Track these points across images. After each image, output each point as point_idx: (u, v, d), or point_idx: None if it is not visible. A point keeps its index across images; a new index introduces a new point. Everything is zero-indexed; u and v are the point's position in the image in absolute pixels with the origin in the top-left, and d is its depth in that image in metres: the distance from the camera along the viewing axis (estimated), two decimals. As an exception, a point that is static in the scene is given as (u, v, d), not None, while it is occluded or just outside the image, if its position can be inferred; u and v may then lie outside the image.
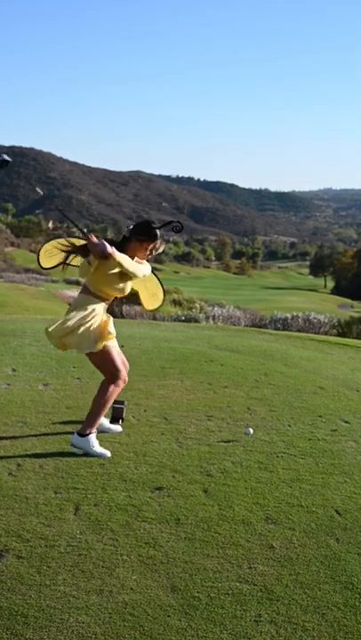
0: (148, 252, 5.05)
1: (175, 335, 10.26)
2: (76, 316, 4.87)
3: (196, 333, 10.68)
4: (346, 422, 5.99)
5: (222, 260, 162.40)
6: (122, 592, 3.13)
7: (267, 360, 8.65)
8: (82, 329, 4.84)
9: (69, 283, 53.09)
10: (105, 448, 5.00)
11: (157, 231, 4.99)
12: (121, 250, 4.92)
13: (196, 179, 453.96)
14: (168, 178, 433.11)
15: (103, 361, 5.02)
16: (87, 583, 3.19)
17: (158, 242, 5.05)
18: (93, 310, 4.93)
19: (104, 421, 5.43)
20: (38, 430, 5.40)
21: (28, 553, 3.45)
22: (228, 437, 5.43)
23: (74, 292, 43.73)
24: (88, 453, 4.92)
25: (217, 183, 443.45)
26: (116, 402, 5.69)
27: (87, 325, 4.87)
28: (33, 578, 3.22)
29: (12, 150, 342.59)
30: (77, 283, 53.06)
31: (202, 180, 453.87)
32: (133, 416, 5.88)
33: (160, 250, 5.11)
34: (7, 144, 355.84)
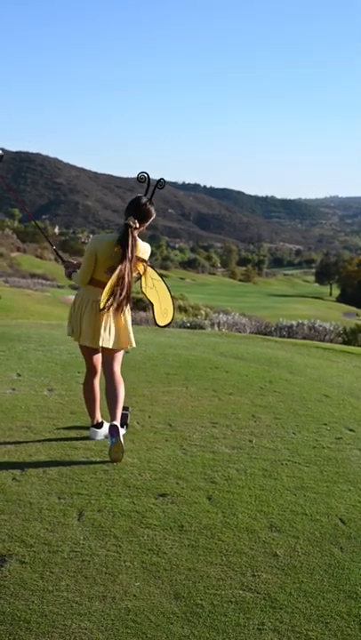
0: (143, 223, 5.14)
1: (180, 342, 10.26)
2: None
3: (201, 340, 10.68)
4: (351, 430, 5.98)
5: (228, 267, 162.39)
6: (125, 598, 3.12)
7: (272, 367, 8.64)
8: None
9: (75, 289, 53.15)
10: (108, 454, 5.00)
11: (152, 208, 5.13)
12: (130, 237, 4.96)
13: (202, 185, 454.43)
14: (174, 184, 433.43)
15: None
16: (90, 589, 3.19)
17: (154, 215, 5.19)
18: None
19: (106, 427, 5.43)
20: (43, 435, 5.40)
21: (31, 558, 3.45)
22: (233, 444, 5.42)
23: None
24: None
25: (223, 190, 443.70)
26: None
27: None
28: (36, 583, 3.21)
29: (18, 156, 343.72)
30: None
31: (208, 186, 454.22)
32: (138, 422, 5.88)
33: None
34: (14, 149, 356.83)
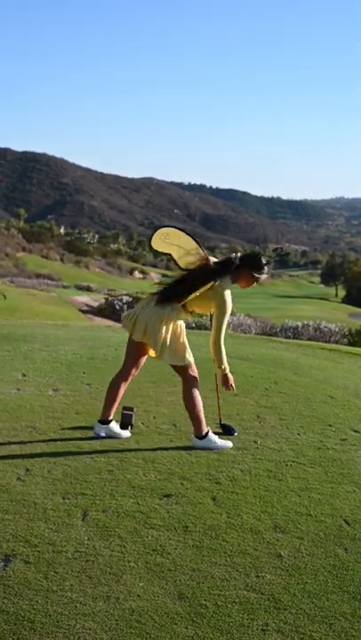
0: (253, 284, 5.35)
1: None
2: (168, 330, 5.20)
3: (206, 341, 10.61)
4: (356, 432, 5.97)
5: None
6: (129, 599, 3.12)
7: (277, 368, 8.64)
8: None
9: (80, 289, 53.16)
10: (114, 454, 5.01)
11: (266, 268, 5.31)
12: (228, 273, 5.18)
13: (208, 186, 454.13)
14: (180, 185, 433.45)
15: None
16: (94, 589, 3.19)
17: (265, 275, 5.36)
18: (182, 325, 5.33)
19: (114, 426, 5.44)
20: (47, 435, 5.41)
21: (35, 558, 3.45)
22: (238, 445, 5.42)
23: (84, 298, 43.84)
24: (212, 449, 5.28)
25: (229, 191, 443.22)
26: (125, 408, 5.70)
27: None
28: (40, 583, 3.21)
29: (24, 156, 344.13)
30: (88, 289, 53.13)
31: (214, 187, 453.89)
32: (143, 422, 5.88)
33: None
34: (20, 149, 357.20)
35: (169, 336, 5.16)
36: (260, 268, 5.25)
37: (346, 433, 5.92)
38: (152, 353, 5.30)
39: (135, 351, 5.36)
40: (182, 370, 5.32)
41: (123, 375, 5.43)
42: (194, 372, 5.36)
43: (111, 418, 5.46)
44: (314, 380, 8.09)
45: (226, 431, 5.72)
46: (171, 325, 5.18)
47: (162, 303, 5.14)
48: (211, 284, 5.08)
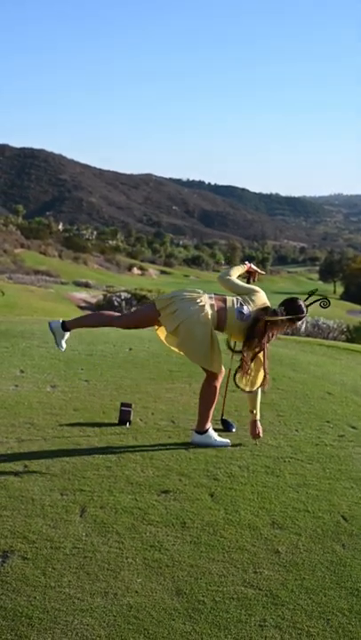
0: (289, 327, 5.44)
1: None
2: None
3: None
4: (353, 428, 5.98)
5: (232, 264, 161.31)
6: (126, 595, 3.13)
7: (275, 365, 8.63)
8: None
9: (79, 285, 53.14)
10: (112, 451, 5.01)
11: (304, 312, 5.28)
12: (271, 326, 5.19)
13: (206, 182, 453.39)
14: (179, 181, 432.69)
15: None
16: (92, 585, 3.19)
17: (300, 322, 5.50)
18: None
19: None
20: (45, 432, 5.41)
21: (33, 554, 3.45)
22: (236, 441, 5.42)
23: (83, 295, 43.82)
24: (211, 446, 5.28)
25: (227, 187, 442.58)
26: (123, 404, 5.70)
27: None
28: (38, 579, 3.22)
29: (22, 152, 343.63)
30: (87, 285, 53.10)
31: (212, 183, 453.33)
32: (141, 419, 5.89)
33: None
34: (18, 145, 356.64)
35: (206, 338, 5.14)
36: (301, 314, 5.27)
37: (344, 429, 5.93)
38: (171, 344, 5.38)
39: (150, 317, 5.32)
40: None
41: (118, 320, 5.44)
42: (215, 374, 5.33)
43: (71, 330, 5.54)
44: (312, 376, 8.09)
45: (225, 427, 5.73)
46: (209, 330, 5.14)
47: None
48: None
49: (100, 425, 5.67)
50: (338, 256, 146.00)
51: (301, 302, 5.27)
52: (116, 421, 5.71)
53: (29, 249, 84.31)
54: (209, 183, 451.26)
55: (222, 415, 5.88)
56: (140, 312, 5.49)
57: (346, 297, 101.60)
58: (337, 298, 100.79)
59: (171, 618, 2.96)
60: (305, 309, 5.26)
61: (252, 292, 5.32)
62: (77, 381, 7.13)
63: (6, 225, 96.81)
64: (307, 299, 5.33)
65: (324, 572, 3.45)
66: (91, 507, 4.05)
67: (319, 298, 5.35)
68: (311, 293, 5.35)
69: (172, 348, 5.44)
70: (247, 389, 5.27)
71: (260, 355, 5.20)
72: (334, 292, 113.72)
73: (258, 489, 4.46)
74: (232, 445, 5.33)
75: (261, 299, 5.27)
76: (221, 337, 5.28)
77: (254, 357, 5.19)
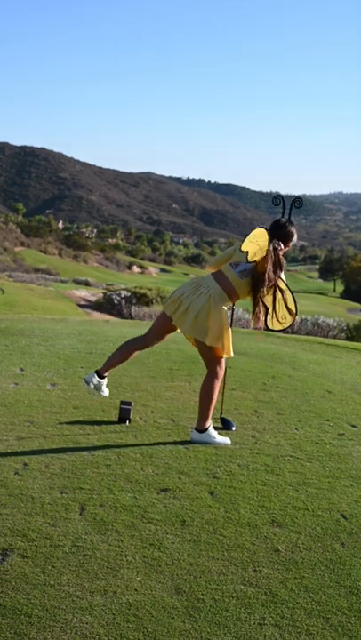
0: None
1: (184, 337, 10.21)
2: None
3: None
4: (353, 426, 5.98)
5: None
6: (126, 593, 3.13)
7: (275, 363, 8.64)
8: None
9: (78, 283, 53.10)
10: (111, 449, 5.01)
11: (292, 228, 5.25)
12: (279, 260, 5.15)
13: (206, 181, 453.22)
14: (179, 179, 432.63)
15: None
16: (91, 584, 3.19)
17: (295, 236, 5.33)
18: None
19: (103, 382, 5.56)
20: (45, 430, 5.41)
21: (32, 552, 3.45)
22: (235, 440, 5.42)
23: (82, 293, 43.80)
24: (210, 444, 5.28)
25: (227, 185, 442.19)
26: (122, 402, 5.70)
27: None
28: (37, 577, 3.22)
29: (22, 150, 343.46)
30: (86, 283, 53.09)
31: (212, 182, 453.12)
32: (140, 417, 5.88)
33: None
34: (18, 144, 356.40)
35: (216, 321, 5.16)
36: (279, 231, 5.24)
37: (343, 428, 5.93)
38: (187, 336, 5.36)
39: (165, 325, 5.41)
40: (207, 361, 5.31)
41: (141, 342, 5.50)
42: (222, 368, 5.35)
43: (107, 375, 5.54)
44: (312, 374, 8.09)
45: (224, 425, 5.72)
46: (219, 313, 5.16)
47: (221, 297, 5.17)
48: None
49: (99, 423, 5.66)
50: (338, 254, 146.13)
51: (282, 219, 5.27)
52: (116, 419, 5.71)
53: (29, 247, 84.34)
54: (209, 181, 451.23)
55: (221, 414, 5.88)
56: (155, 325, 5.50)
57: (346, 295, 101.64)
58: (337, 296, 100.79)
59: (170, 616, 2.96)
60: (289, 223, 5.25)
61: (234, 249, 5.33)
62: (77, 379, 7.12)
63: (6, 223, 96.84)
64: (283, 213, 5.28)
65: (324, 571, 3.45)
66: (90, 505, 4.05)
67: (292, 203, 5.32)
68: (281, 199, 5.30)
69: (195, 342, 5.38)
70: (284, 326, 5.30)
71: (279, 291, 5.22)
72: (334, 290, 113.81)
73: (257, 487, 4.46)
74: (232, 444, 5.33)
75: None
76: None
77: (274, 297, 5.22)
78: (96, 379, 5.50)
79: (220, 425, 5.72)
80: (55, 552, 3.47)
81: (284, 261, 5.19)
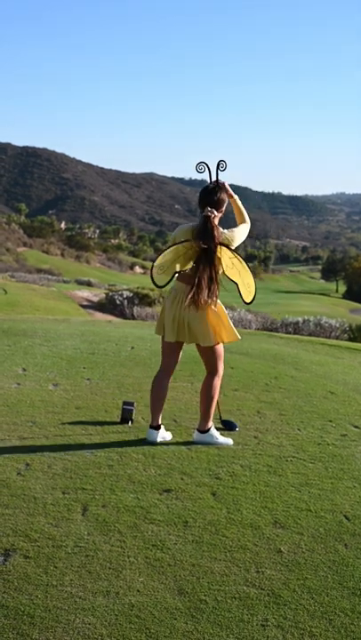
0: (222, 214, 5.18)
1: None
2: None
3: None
4: (356, 427, 5.97)
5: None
6: (128, 594, 3.12)
7: (277, 364, 8.63)
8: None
9: (81, 283, 53.09)
10: (114, 449, 5.01)
11: (221, 193, 5.17)
12: (212, 227, 5.06)
13: (208, 181, 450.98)
14: (181, 180, 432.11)
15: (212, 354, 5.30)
16: (94, 584, 3.18)
17: (226, 199, 5.23)
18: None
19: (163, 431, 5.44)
20: (47, 430, 5.41)
21: (35, 553, 3.45)
22: (238, 440, 5.42)
23: (85, 293, 43.81)
24: (213, 445, 5.26)
25: (230, 186, 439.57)
26: (125, 403, 5.69)
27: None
28: (40, 578, 3.21)
29: (25, 151, 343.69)
30: (89, 284, 53.11)
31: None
32: (143, 417, 5.88)
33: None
34: (21, 144, 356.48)
35: (216, 321, 5.17)
36: (208, 196, 5.17)
37: (346, 428, 5.92)
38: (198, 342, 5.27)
39: (175, 347, 5.35)
40: (210, 361, 5.31)
41: (166, 372, 5.43)
42: (221, 367, 5.35)
43: (160, 422, 5.39)
44: (314, 375, 8.08)
45: (227, 427, 5.71)
46: (213, 312, 5.16)
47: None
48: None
49: (102, 423, 5.66)
50: (340, 255, 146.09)
51: (210, 184, 5.18)
52: (118, 420, 5.71)
53: (32, 247, 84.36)
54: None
55: (220, 416, 5.83)
56: (162, 352, 5.45)
57: (348, 296, 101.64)
58: (339, 297, 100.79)
59: (173, 617, 2.95)
60: (218, 188, 5.17)
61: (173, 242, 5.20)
62: (79, 380, 7.12)
63: (9, 223, 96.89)
64: (210, 179, 5.20)
65: (327, 572, 3.44)
66: (93, 505, 4.05)
67: (217, 166, 5.22)
68: (205, 165, 5.23)
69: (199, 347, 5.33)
70: (253, 294, 5.18)
71: (236, 262, 5.09)
72: (337, 290, 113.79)
73: (260, 488, 4.46)
74: (234, 444, 5.32)
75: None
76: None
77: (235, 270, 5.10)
78: (156, 433, 5.30)
79: (220, 426, 5.71)
80: (57, 552, 3.46)
81: (218, 229, 5.07)
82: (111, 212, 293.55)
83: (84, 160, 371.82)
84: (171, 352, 5.37)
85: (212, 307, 5.11)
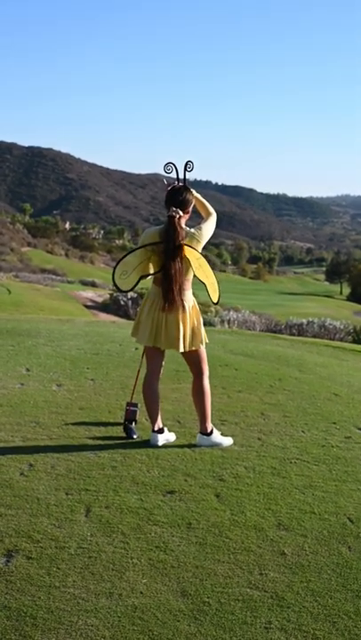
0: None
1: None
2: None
3: (210, 337, 10.59)
4: (360, 429, 5.95)
5: (238, 265, 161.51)
6: (131, 595, 3.11)
7: (281, 365, 8.62)
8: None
9: (85, 284, 53.15)
10: (117, 450, 5.01)
11: (187, 193, 5.18)
12: (177, 228, 5.04)
13: (213, 182, 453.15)
14: (185, 181, 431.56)
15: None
16: (97, 586, 3.18)
17: (192, 199, 5.24)
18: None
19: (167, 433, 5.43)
20: (51, 431, 5.40)
21: (38, 554, 3.44)
22: (242, 442, 5.41)
23: (89, 294, 43.86)
24: (217, 445, 5.26)
25: (235, 187, 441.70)
26: (129, 404, 5.68)
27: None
28: (42, 579, 3.21)
29: (30, 151, 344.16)
30: (93, 284, 53.15)
31: (219, 184, 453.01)
32: (146, 419, 5.86)
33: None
34: (26, 144, 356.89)
35: (191, 326, 5.18)
36: (174, 197, 5.15)
37: (350, 431, 5.91)
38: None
39: (158, 349, 5.33)
40: (195, 364, 5.33)
41: (155, 375, 5.42)
42: (206, 368, 5.36)
43: (162, 425, 5.39)
44: (318, 377, 8.07)
45: (127, 433, 5.49)
46: (190, 316, 5.17)
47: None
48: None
49: (105, 424, 5.66)
50: (345, 257, 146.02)
51: (176, 185, 5.20)
52: (122, 421, 5.69)
53: (36, 247, 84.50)
54: (216, 183, 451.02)
55: (125, 421, 5.59)
56: (146, 356, 5.44)
57: (352, 298, 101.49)
58: (343, 299, 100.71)
59: (176, 619, 2.95)
60: (184, 189, 5.18)
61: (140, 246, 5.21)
62: (83, 380, 7.12)
63: (13, 223, 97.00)
64: (178, 179, 5.22)
65: (330, 575, 3.43)
66: (96, 506, 4.04)
67: (185, 166, 5.22)
68: (173, 166, 5.22)
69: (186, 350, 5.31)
70: (217, 292, 5.20)
71: (198, 260, 5.08)
72: (341, 292, 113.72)
73: (264, 490, 4.45)
74: (238, 446, 5.31)
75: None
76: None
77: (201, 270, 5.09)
78: (159, 436, 5.29)
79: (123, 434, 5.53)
80: (60, 554, 3.46)
81: (184, 229, 5.06)
82: (116, 212, 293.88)
83: (89, 160, 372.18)
84: (155, 354, 5.37)
85: (187, 309, 5.12)
